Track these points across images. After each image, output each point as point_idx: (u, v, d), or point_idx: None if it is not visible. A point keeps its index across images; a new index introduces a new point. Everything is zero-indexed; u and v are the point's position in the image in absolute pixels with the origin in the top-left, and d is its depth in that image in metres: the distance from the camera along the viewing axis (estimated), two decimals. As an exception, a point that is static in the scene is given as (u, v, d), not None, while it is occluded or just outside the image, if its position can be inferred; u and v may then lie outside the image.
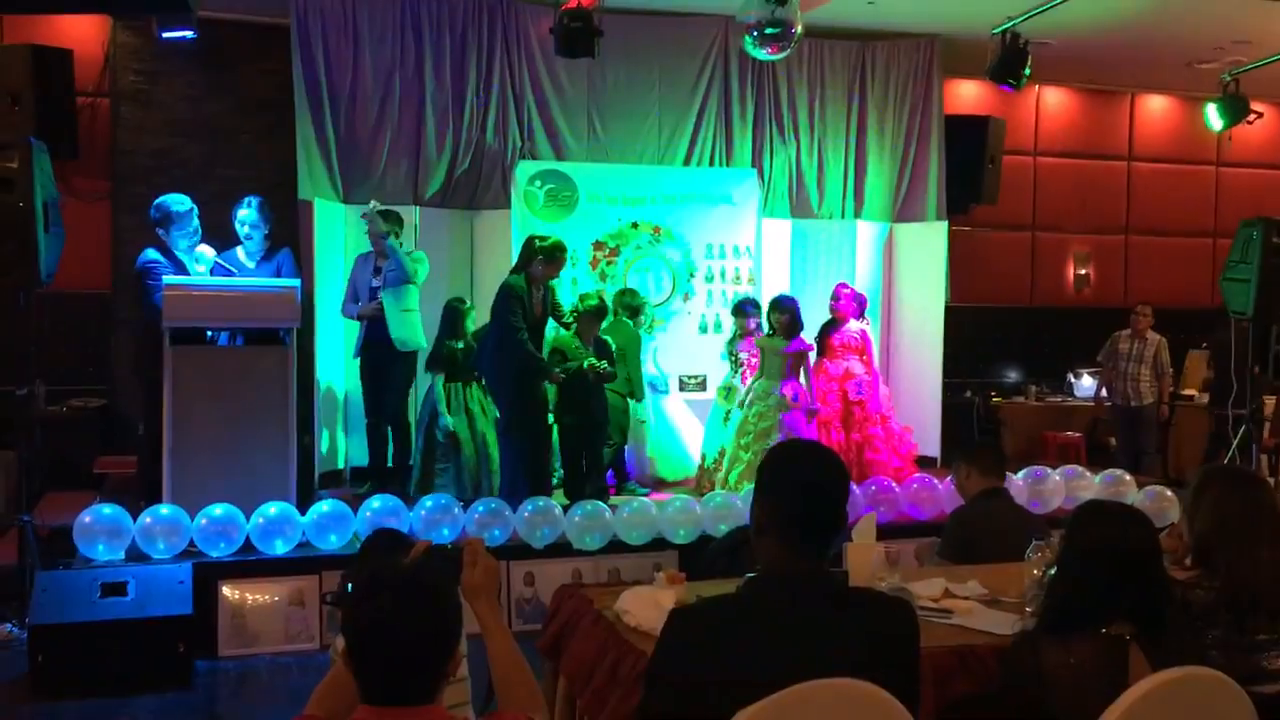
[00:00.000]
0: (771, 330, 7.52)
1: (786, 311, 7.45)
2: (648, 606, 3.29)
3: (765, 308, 7.69)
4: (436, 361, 7.06)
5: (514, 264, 7.00)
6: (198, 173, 7.93)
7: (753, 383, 7.52)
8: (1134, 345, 9.07)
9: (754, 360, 7.65)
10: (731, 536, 5.09)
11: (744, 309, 7.82)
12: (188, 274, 6.48)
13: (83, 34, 7.95)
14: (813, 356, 7.73)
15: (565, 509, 6.45)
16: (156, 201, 6.56)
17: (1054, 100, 10.67)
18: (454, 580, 2.32)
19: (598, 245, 8.22)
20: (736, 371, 7.79)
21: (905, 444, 8.09)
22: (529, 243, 6.94)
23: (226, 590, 5.85)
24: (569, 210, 8.11)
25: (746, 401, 7.46)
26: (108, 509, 5.86)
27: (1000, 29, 8.19)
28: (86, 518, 5.80)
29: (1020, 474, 7.16)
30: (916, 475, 7.33)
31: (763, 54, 7.09)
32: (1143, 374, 9.03)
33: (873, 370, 8.04)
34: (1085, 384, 10.19)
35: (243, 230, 6.78)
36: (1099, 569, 2.54)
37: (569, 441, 7.13)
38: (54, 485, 6.99)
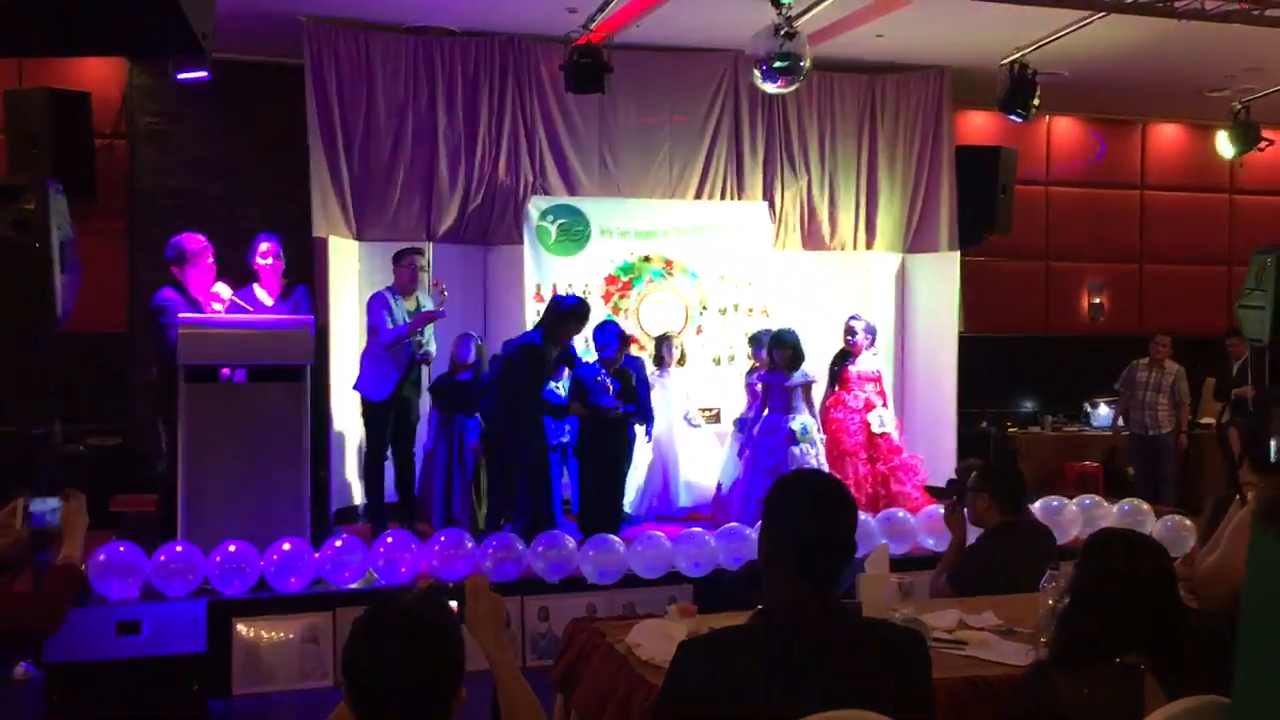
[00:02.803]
0: (774, 365, 7.53)
1: (789, 346, 7.46)
2: (660, 639, 3.27)
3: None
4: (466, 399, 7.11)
5: (542, 324, 6.93)
6: (214, 212, 8.01)
7: (761, 418, 7.55)
8: (1152, 374, 9.03)
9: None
10: (746, 569, 5.08)
11: (759, 340, 7.83)
12: (203, 312, 6.52)
13: (100, 76, 8.06)
14: (818, 389, 7.73)
15: (580, 544, 6.44)
16: (172, 241, 6.61)
17: (1065, 129, 10.68)
18: (456, 617, 2.30)
19: (610, 279, 8.25)
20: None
21: (917, 473, 8.07)
22: (567, 310, 6.89)
23: (241, 627, 5.85)
24: (581, 245, 8.15)
25: (755, 437, 7.48)
26: (122, 547, 5.87)
27: (1008, 60, 8.22)
28: (101, 556, 5.80)
29: (1037, 504, 7.11)
30: (931, 506, 7.29)
31: (772, 88, 7.12)
32: (1160, 403, 8.98)
33: (886, 403, 8.04)
34: (1102, 413, 10.13)
35: (267, 262, 6.82)
36: (1111, 598, 2.51)
37: (589, 476, 7.13)
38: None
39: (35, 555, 3.08)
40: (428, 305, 7.17)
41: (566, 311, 6.88)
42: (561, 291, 7.65)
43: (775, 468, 7.27)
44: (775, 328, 7.95)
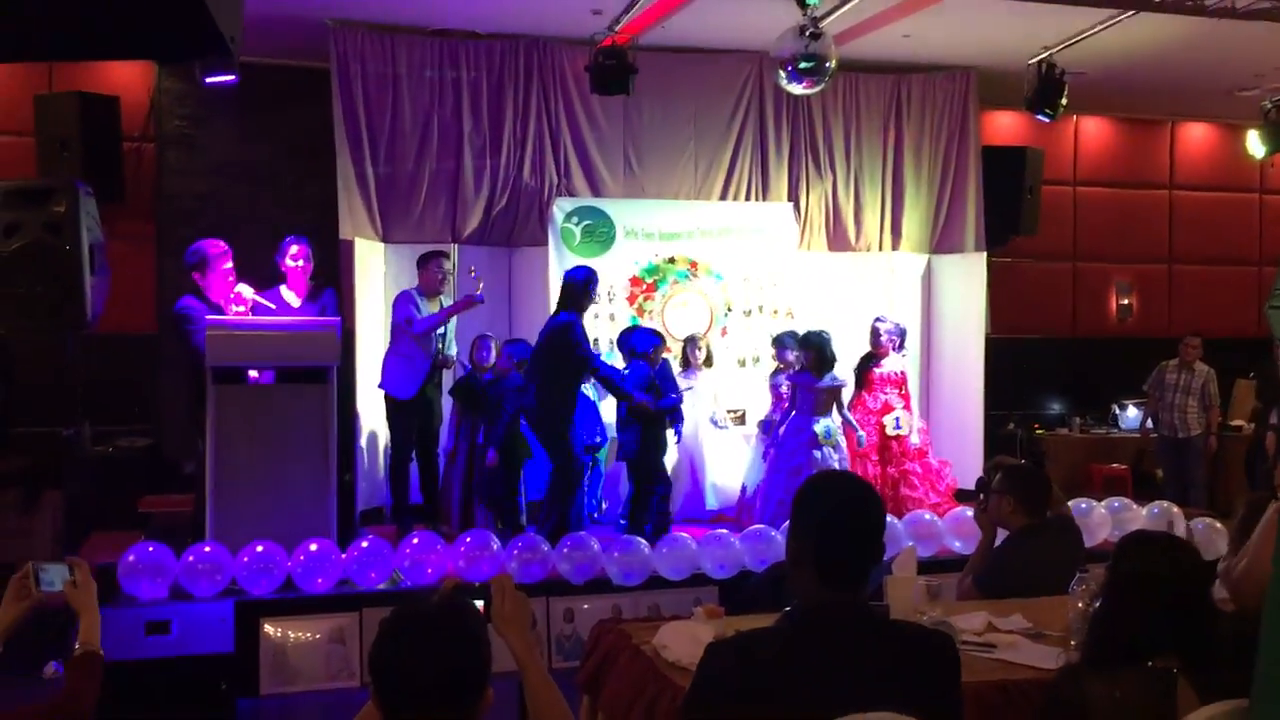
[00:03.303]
0: (801, 367, 7.51)
1: (813, 348, 7.44)
2: (686, 641, 3.26)
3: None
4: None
5: (567, 304, 6.92)
6: (241, 215, 8.06)
7: (788, 418, 7.52)
8: (1181, 376, 8.94)
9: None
10: (772, 571, 5.05)
11: (783, 341, 7.81)
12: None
13: (128, 80, 8.12)
14: (847, 392, 7.70)
15: (605, 546, 6.46)
16: (191, 247, 6.63)
17: (1093, 129, 10.61)
18: (482, 616, 2.30)
19: (635, 281, 8.24)
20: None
21: (943, 479, 8.02)
22: (582, 282, 6.92)
23: (268, 628, 5.88)
24: (606, 246, 8.15)
25: (780, 438, 7.46)
26: (151, 547, 5.92)
27: (1036, 60, 8.17)
28: (130, 556, 5.85)
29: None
30: (957, 509, 7.25)
31: (797, 89, 7.10)
32: (1190, 405, 8.89)
33: (909, 406, 7.99)
34: (1130, 415, 10.04)
35: (297, 264, 6.86)
36: (1144, 600, 2.48)
37: (638, 476, 7.16)
38: (100, 525, 7.08)
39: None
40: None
41: (582, 283, 6.90)
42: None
43: (797, 470, 7.26)
44: (800, 329, 7.94)
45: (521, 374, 7.10)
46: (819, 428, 7.35)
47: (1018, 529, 4.36)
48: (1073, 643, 3.06)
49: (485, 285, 7.26)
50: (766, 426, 7.76)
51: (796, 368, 7.57)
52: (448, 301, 7.26)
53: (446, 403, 7.49)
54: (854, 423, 7.62)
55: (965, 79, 8.98)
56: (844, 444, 7.51)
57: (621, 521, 7.31)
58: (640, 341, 7.22)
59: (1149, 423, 9.28)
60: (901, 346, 8.09)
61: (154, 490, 7.44)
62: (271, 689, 5.79)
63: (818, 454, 7.31)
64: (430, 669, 1.94)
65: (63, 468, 6.84)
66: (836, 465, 7.29)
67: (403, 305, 7.09)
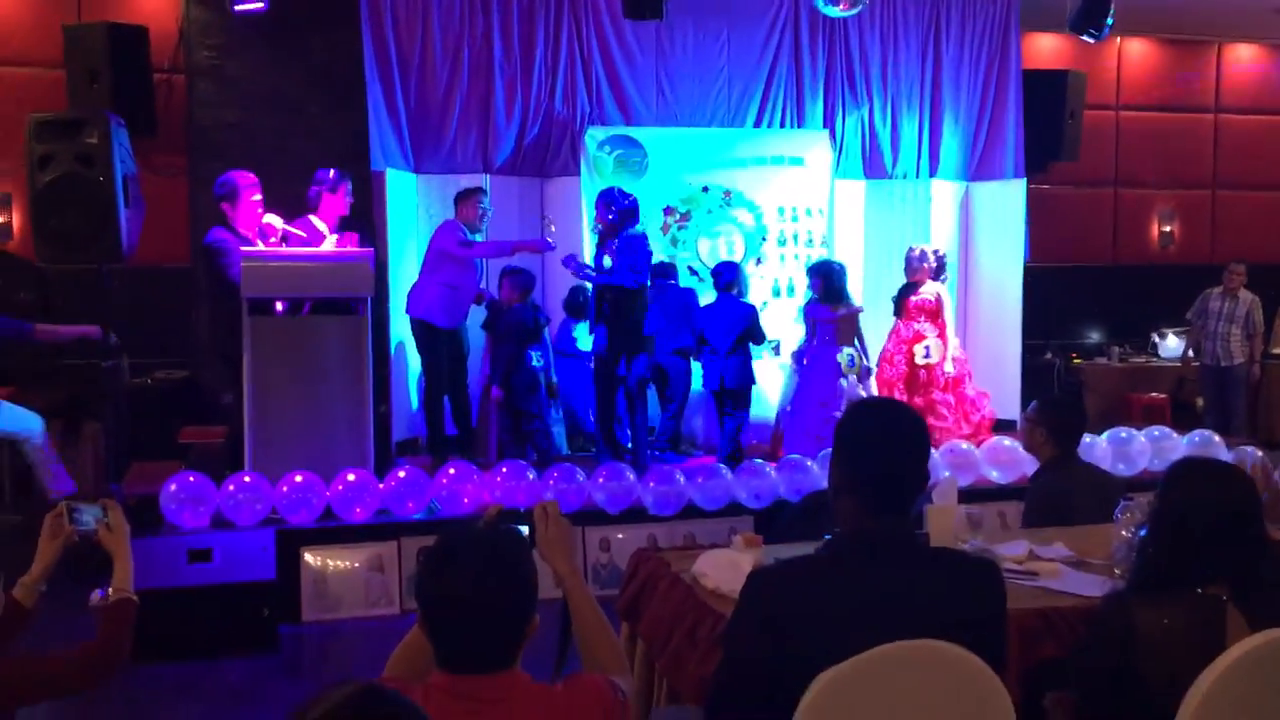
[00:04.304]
0: (815, 297, 7.45)
1: (821, 276, 7.38)
2: (725, 569, 3.26)
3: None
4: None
5: (636, 218, 7.08)
6: (271, 146, 7.99)
7: (808, 350, 7.50)
8: (1225, 304, 8.81)
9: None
10: (808, 501, 5.04)
11: (813, 272, 7.74)
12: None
13: (157, 10, 8.05)
14: (874, 320, 7.64)
15: (641, 474, 6.48)
16: (220, 178, 6.59)
17: (1137, 52, 10.34)
18: (527, 541, 2.30)
19: (668, 210, 8.16)
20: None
21: (978, 409, 7.92)
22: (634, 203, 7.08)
23: (308, 556, 5.95)
24: (639, 176, 8.06)
25: (804, 369, 7.43)
26: (192, 477, 5.98)
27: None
28: (172, 486, 5.92)
29: (1104, 435, 7.01)
30: (993, 439, 7.20)
31: (835, 10, 6.95)
32: (1234, 333, 8.78)
33: (944, 335, 7.86)
34: (1170, 344, 9.92)
35: (348, 200, 6.86)
36: (1195, 527, 2.44)
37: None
38: (140, 455, 7.17)
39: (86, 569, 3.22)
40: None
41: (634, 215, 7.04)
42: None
43: (824, 401, 7.24)
44: (835, 259, 7.86)
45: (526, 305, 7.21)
46: (841, 357, 7.30)
47: (1046, 460, 4.34)
48: (1117, 571, 3.03)
49: (517, 217, 7.22)
50: (798, 357, 7.72)
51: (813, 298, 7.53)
52: (479, 239, 7.22)
53: (476, 337, 7.50)
54: (864, 352, 7.53)
55: (1006, 0, 8.76)
56: (871, 372, 7.47)
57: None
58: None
59: (1190, 351, 9.16)
60: (940, 273, 7.96)
61: (192, 421, 7.52)
62: (313, 615, 5.88)
63: (843, 383, 7.28)
64: (477, 594, 1.94)
65: (102, 400, 6.90)
66: (864, 394, 7.25)
67: (453, 230, 7.04)
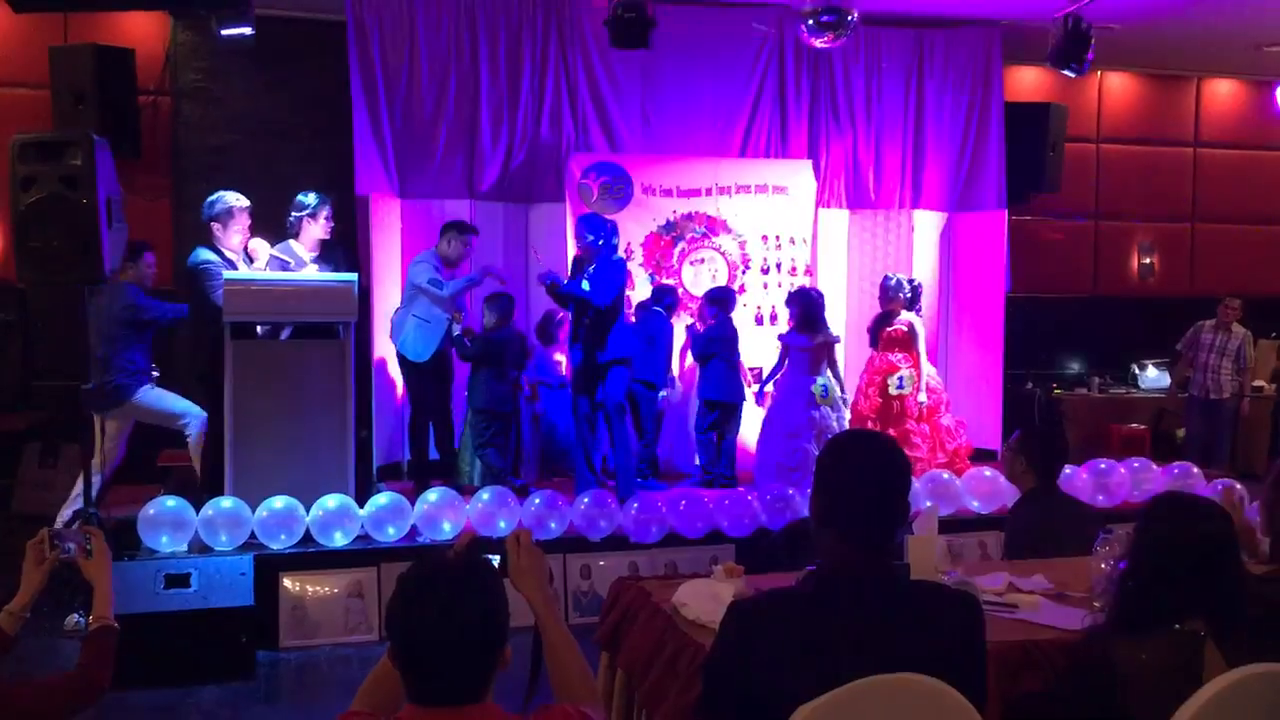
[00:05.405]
0: (792, 325, 7.47)
1: (799, 304, 7.39)
2: (706, 599, 3.26)
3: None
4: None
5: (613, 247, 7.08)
6: (256, 170, 8.00)
7: (772, 378, 7.53)
8: (1219, 337, 8.88)
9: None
10: (789, 531, 5.05)
11: (791, 300, 7.76)
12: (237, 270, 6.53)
13: (144, 33, 8.06)
14: (841, 350, 7.67)
15: (622, 502, 6.46)
16: (215, 197, 6.61)
17: (1117, 85, 10.46)
18: (499, 571, 2.28)
19: (652, 237, 8.18)
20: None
21: (954, 438, 7.88)
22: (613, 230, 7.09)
23: (287, 582, 5.92)
24: (623, 203, 8.08)
25: (776, 398, 7.43)
26: (171, 501, 5.95)
27: (1063, 13, 8.03)
28: (150, 510, 5.88)
29: (1084, 467, 7.04)
30: (975, 468, 7.22)
31: (819, 42, 7.01)
32: (1224, 367, 8.84)
33: (917, 365, 7.76)
34: (1150, 375, 9.98)
35: (330, 224, 6.84)
36: (1173, 563, 2.46)
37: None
38: (119, 479, 7.10)
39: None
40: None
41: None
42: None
43: (795, 432, 7.23)
44: (815, 288, 7.88)
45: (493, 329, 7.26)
46: (815, 388, 7.30)
47: (1027, 491, 4.36)
48: (1097, 604, 3.03)
49: (501, 242, 7.20)
50: (767, 385, 7.74)
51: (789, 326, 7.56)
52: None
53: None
54: (838, 380, 7.55)
55: (990, 33, 8.84)
56: (844, 403, 7.49)
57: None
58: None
59: (1176, 383, 9.21)
60: (914, 303, 7.93)
61: (171, 445, 7.46)
62: (291, 642, 5.84)
63: (815, 414, 7.26)
64: (447, 625, 1.93)
65: (82, 422, 6.85)
66: (836, 426, 7.24)
67: (426, 269, 7.05)
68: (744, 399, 7.68)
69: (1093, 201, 10.42)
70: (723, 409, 7.54)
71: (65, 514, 6.20)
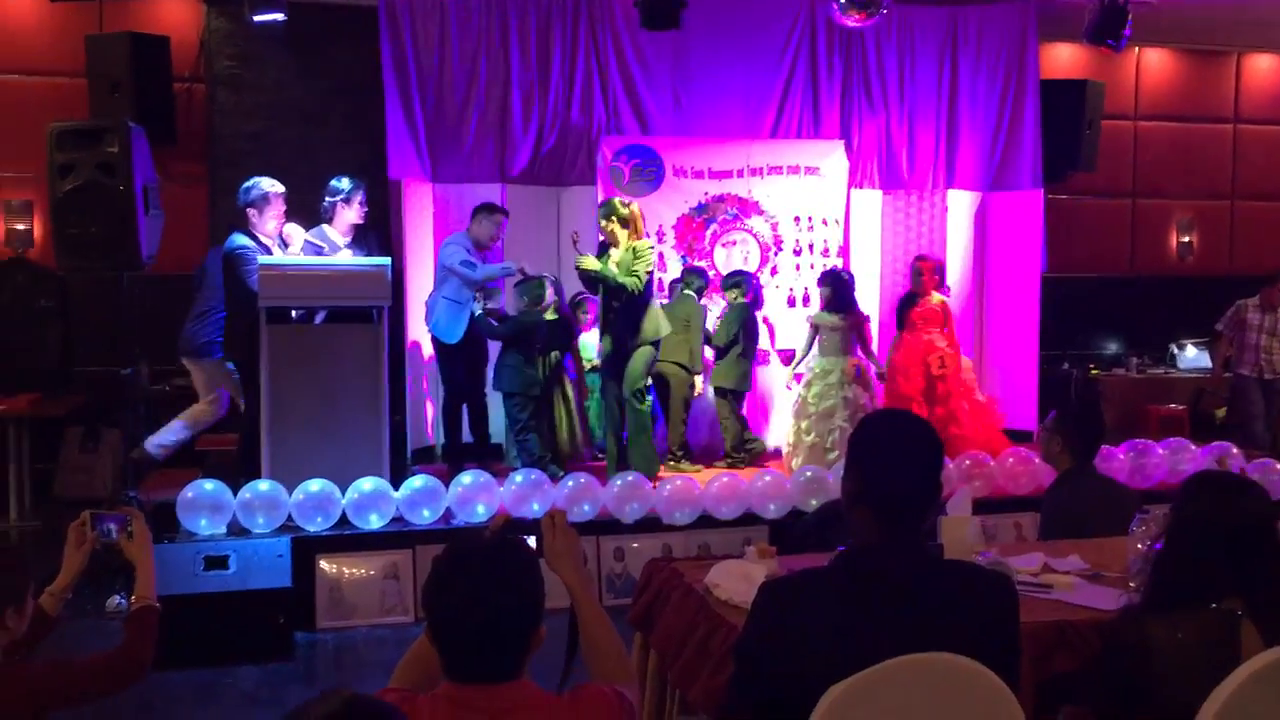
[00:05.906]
0: (823, 305, 7.44)
1: (829, 285, 7.36)
2: (739, 580, 3.26)
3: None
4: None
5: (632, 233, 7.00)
6: (289, 156, 8.04)
7: (812, 361, 7.47)
8: (1266, 318, 8.74)
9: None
10: (822, 512, 5.03)
11: (822, 280, 7.74)
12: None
13: (178, 20, 8.13)
14: (873, 327, 7.64)
15: (655, 484, 6.48)
16: (251, 182, 6.65)
17: (1155, 61, 10.31)
18: (534, 552, 2.29)
19: (684, 220, 8.17)
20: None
21: (990, 415, 7.86)
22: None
23: (324, 564, 5.97)
24: (654, 186, 8.07)
25: (806, 381, 7.40)
26: (209, 484, 6.01)
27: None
28: (189, 493, 5.95)
29: (1121, 447, 6.98)
30: (1012, 449, 7.17)
31: (851, 22, 6.95)
32: (1275, 346, 8.72)
33: (954, 343, 7.80)
34: (1189, 355, 9.87)
35: (363, 209, 6.89)
36: (1210, 542, 2.44)
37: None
38: (158, 462, 7.20)
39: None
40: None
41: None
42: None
43: (827, 411, 7.21)
44: (847, 269, 7.85)
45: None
46: (847, 366, 7.29)
47: (1063, 472, 4.32)
48: (1132, 584, 3.02)
49: (534, 226, 7.23)
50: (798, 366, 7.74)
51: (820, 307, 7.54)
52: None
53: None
54: (874, 358, 7.56)
55: (1025, 10, 8.73)
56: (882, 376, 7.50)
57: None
58: None
59: (1220, 362, 9.10)
60: (940, 284, 7.90)
61: (209, 428, 7.55)
62: (328, 623, 5.90)
63: (848, 394, 7.25)
64: (483, 606, 1.94)
65: (121, 406, 6.95)
66: (869, 405, 7.23)
67: (458, 250, 7.08)
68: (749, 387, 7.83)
69: (1130, 180, 10.30)
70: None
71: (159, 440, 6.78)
